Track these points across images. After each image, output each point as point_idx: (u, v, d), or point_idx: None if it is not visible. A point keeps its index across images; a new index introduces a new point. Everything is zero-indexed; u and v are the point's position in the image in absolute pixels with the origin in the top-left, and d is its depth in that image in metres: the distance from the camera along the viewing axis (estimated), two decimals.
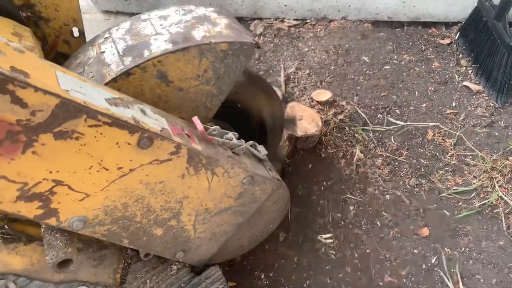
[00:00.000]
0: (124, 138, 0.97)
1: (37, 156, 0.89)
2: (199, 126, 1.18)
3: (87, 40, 1.38)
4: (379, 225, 2.07)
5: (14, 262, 1.15)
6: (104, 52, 1.24)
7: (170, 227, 1.23)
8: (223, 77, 1.35)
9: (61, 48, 1.45)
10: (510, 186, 2.16)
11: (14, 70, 0.79)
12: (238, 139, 1.32)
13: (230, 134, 1.28)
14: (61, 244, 1.06)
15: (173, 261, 1.40)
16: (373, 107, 2.59)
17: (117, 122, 0.94)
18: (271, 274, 1.89)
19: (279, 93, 1.93)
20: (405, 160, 2.33)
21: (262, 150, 1.41)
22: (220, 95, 1.40)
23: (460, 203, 2.14)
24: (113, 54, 1.23)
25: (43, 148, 0.89)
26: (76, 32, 1.42)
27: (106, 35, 1.30)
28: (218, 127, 1.24)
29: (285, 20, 3.20)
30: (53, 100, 0.84)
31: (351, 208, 2.14)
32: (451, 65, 2.86)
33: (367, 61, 2.89)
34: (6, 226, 1.18)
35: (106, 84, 1.16)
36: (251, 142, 1.37)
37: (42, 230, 1.10)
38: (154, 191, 1.11)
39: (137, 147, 0.99)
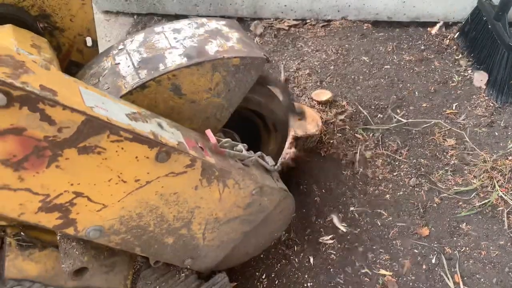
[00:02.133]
0: (144, 153, 1.00)
1: (61, 170, 0.92)
2: (213, 139, 1.21)
3: (100, 49, 1.40)
4: (379, 225, 2.08)
5: (29, 269, 1.17)
6: (119, 64, 1.26)
7: (181, 235, 1.26)
8: (234, 90, 1.38)
9: (74, 57, 1.47)
10: (510, 185, 2.18)
11: (43, 89, 0.82)
12: (248, 150, 1.35)
13: (240, 146, 1.31)
14: (77, 253, 1.09)
15: (181, 268, 1.43)
16: (373, 107, 2.60)
17: (137, 138, 0.97)
18: (273, 275, 1.90)
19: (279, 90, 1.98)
20: (405, 160, 2.33)
21: (269, 161, 1.43)
22: (229, 107, 1.42)
23: (461, 203, 2.15)
24: (128, 66, 1.24)
25: (66, 162, 0.92)
26: (89, 42, 1.45)
27: (120, 46, 1.32)
28: (229, 139, 1.27)
29: (285, 20, 3.21)
30: (79, 117, 0.86)
31: (352, 208, 2.15)
32: (451, 65, 2.87)
33: (367, 61, 2.89)
34: (22, 233, 1.19)
35: (122, 96, 1.18)
36: (259, 153, 1.40)
37: (58, 238, 1.12)
38: (168, 201, 1.14)
39: (155, 160, 1.03)
